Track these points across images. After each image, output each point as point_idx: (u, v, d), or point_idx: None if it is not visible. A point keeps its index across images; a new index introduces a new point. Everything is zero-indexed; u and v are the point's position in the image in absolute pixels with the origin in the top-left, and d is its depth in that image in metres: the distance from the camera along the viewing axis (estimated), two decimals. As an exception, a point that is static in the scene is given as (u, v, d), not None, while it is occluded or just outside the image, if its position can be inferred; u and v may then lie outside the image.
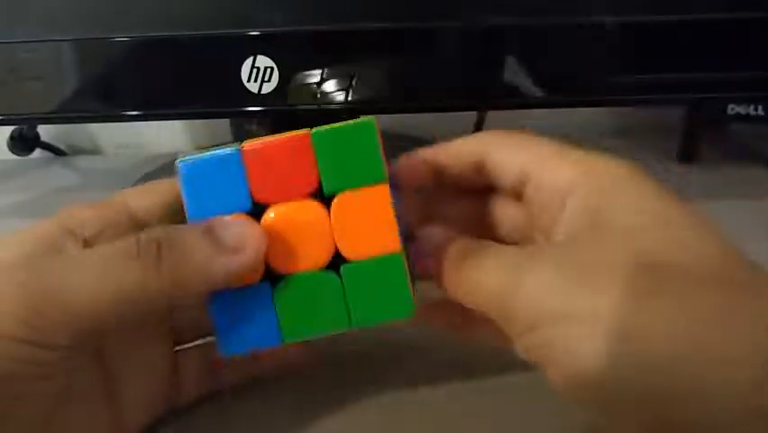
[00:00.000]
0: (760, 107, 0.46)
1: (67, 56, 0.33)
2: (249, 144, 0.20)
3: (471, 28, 0.33)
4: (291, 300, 0.20)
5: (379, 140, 0.19)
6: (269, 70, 0.32)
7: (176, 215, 0.23)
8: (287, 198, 0.19)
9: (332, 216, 0.19)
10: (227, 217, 0.19)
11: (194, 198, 0.20)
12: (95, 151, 0.60)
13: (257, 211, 0.20)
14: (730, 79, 0.33)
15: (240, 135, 0.41)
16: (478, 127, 0.57)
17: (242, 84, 0.32)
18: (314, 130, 0.19)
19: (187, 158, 0.20)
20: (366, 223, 0.19)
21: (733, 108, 0.47)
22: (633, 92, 0.34)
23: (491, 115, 0.55)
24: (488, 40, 0.33)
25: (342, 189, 0.19)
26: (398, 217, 0.20)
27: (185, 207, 0.20)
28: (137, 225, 0.22)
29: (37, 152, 0.56)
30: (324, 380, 0.25)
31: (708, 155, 0.50)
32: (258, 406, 0.24)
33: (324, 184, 0.19)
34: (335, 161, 0.19)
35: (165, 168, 0.49)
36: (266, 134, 0.20)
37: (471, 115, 0.56)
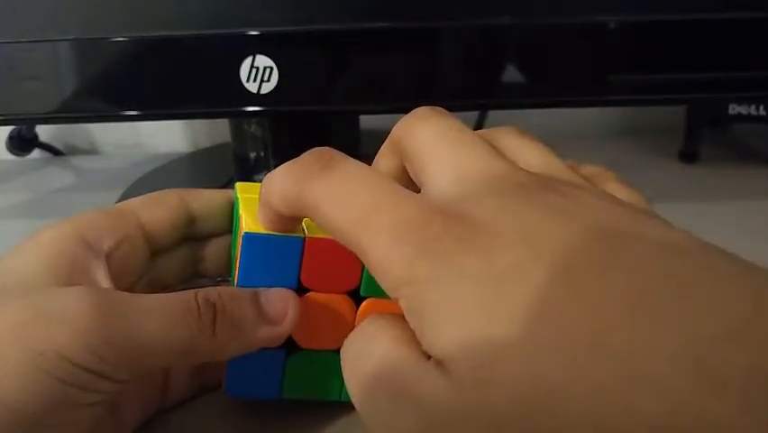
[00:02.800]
0: (761, 107, 0.46)
1: (65, 56, 0.33)
2: (313, 236, 0.21)
3: (471, 28, 0.32)
4: (299, 369, 0.22)
5: None
6: (268, 70, 0.32)
7: (180, 227, 0.24)
8: (328, 290, 0.22)
9: (358, 314, 0.22)
10: (274, 290, 0.21)
11: (249, 267, 0.21)
12: (93, 151, 0.60)
13: (298, 290, 0.21)
14: (731, 79, 0.33)
15: (239, 136, 0.41)
16: (478, 127, 0.57)
17: (242, 84, 0.32)
18: None
19: (255, 231, 0.21)
20: None
21: (734, 108, 0.47)
22: (633, 92, 0.34)
23: (491, 115, 0.55)
24: (488, 40, 0.33)
25: (374, 295, 0.22)
26: None
27: (238, 270, 0.21)
28: (146, 236, 0.23)
29: (35, 152, 0.56)
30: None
31: (709, 155, 0.50)
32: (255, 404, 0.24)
33: (362, 286, 0.22)
34: None
35: (164, 168, 0.49)
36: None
37: (472, 115, 0.56)
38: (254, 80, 0.32)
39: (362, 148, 0.41)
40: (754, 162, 0.49)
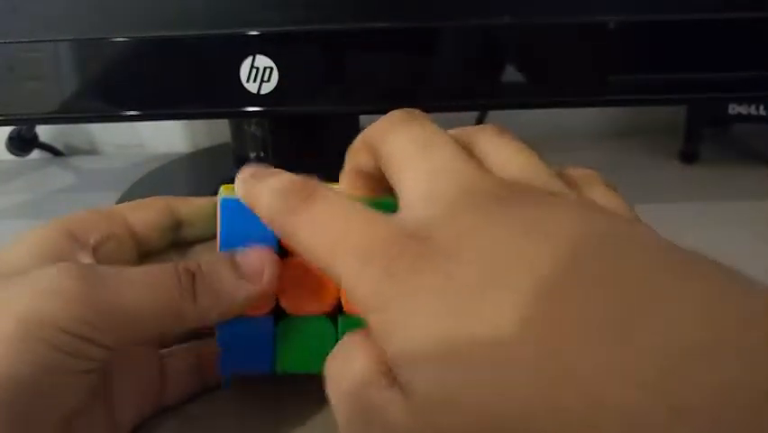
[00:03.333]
0: (761, 107, 0.46)
1: (65, 56, 0.33)
2: None
3: (471, 28, 0.32)
4: (289, 337, 0.22)
5: None
6: (268, 70, 0.32)
7: (167, 231, 0.25)
8: None
9: None
10: (250, 249, 0.21)
11: (229, 232, 0.22)
12: (93, 151, 0.60)
13: (281, 254, 0.22)
14: (731, 79, 0.33)
15: (239, 136, 0.41)
16: (478, 127, 0.57)
17: (242, 84, 0.32)
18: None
19: (230, 196, 0.21)
20: None
21: (734, 108, 0.47)
22: (633, 92, 0.34)
23: (491, 115, 0.55)
24: (488, 40, 0.33)
25: None
26: None
27: (219, 235, 0.22)
28: (133, 236, 0.24)
29: (35, 153, 0.56)
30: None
31: (709, 155, 0.50)
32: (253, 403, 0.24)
33: None
34: None
35: (164, 168, 0.49)
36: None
37: (472, 115, 0.56)
38: (254, 80, 0.32)
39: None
40: (754, 162, 0.49)
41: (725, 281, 0.13)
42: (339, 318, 0.22)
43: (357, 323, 0.19)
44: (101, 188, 0.50)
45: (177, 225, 0.25)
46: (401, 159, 0.18)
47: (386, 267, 0.15)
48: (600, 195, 0.19)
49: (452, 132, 0.19)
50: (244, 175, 0.20)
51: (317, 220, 0.17)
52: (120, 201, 0.43)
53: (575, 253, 0.14)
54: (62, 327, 0.18)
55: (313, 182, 0.18)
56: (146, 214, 0.24)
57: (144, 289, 0.19)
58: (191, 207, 0.25)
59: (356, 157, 0.21)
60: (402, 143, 0.18)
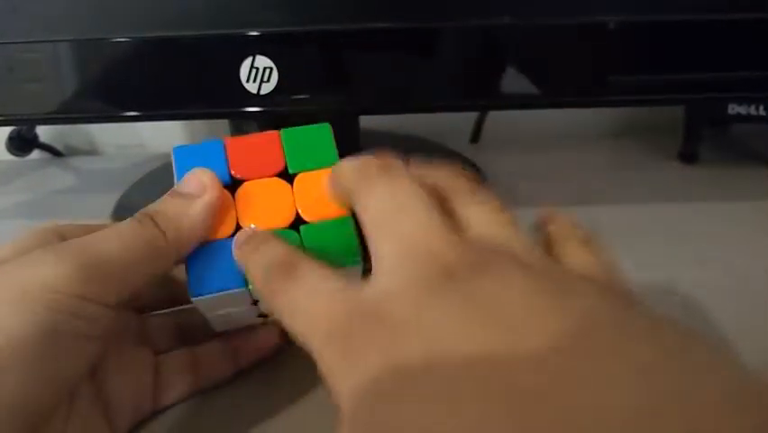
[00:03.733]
0: (761, 107, 0.46)
1: (65, 56, 0.33)
2: (231, 137, 0.25)
3: (471, 28, 0.32)
4: None
5: (332, 136, 0.24)
6: (268, 71, 0.32)
7: None
8: (259, 176, 0.24)
9: (294, 189, 0.23)
10: (185, 176, 0.23)
11: (181, 175, 0.23)
12: (93, 151, 0.60)
13: (234, 186, 0.23)
14: (730, 79, 0.33)
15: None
16: (478, 127, 0.57)
17: (241, 84, 0.32)
18: (283, 129, 0.25)
19: (183, 145, 0.24)
20: (322, 194, 0.23)
21: (734, 108, 0.47)
22: (633, 92, 0.34)
23: (491, 115, 0.55)
24: (488, 40, 0.33)
25: (303, 169, 0.24)
26: None
27: (175, 182, 0.23)
28: None
29: (35, 153, 0.56)
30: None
31: (708, 155, 0.50)
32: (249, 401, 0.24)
33: (288, 166, 0.24)
34: (298, 150, 0.24)
35: (164, 169, 0.49)
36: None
37: (472, 115, 0.56)
38: (254, 81, 0.32)
39: (362, 148, 0.41)
40: (754, 162, 0.49)
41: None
42: (301, 229, 0.23)
43: (319, 231, 0.23)
44: (101, 188, 0.50)
45: None
46: (376, 220, 0.19)
47: (341, 348, 0.16)
48: (577, 256, 0.19)
49: (427, 174, 0.21)
50: (239, 240, 0.22)
51: (293, 304, 0.19)
52: (120, 201, 0.43)
53: (507, 343, 0.14)
54: (60, 289, 0.19)
55: (294, 258, 0.20)
56: None
57: (120, 240, 0.21)
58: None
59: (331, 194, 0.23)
60: (378, 203, 0.19)
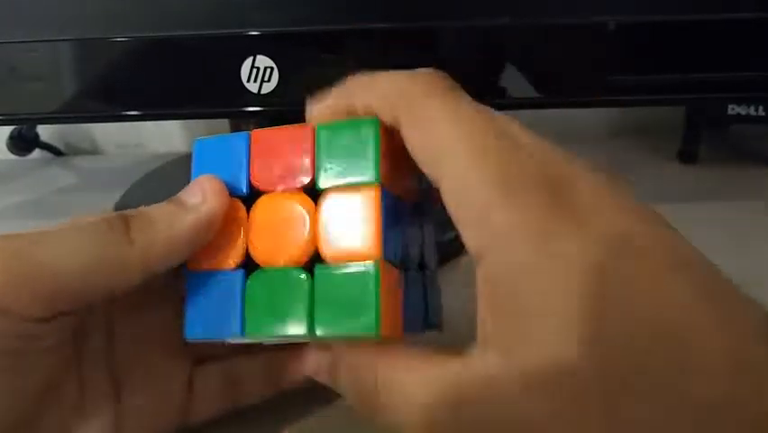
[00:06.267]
0: (761, 108, 0.46)
1: (66, 56, 0.33)
2: (257, 130, 0.20)
3: (471, 28, 0.33)
4: (260, 293, 0.19)
5: (379, 141, 0.18)
6: (268, 70, 0.32)
7: None
8: (281, 188, 0.19)
9: (318, 212, 0.19)
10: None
11: (199, 172, 0.20)
12: (94, 151, 0.60)
13: (253, 198, 0.20)
14: (730, 80, 0.33)
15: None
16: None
17: (242, 84, 0.32)
18: (318, 123, 0.20)
19: (205, 138, 0.21)
20: (350, 224, 0.18)
21: (734, 108, 0.47)
22: (633, 92, 0.34)
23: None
24: (488, 40, 0.33)
25: (335, 186, 0.19)
26: (400, 230, 0.20)
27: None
28: None
29: (36, 152, 0.56)
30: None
31: (708, 156, 0.50)
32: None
33: (317, 178, 0.19)
34: (333, 156, 0.19)
35: (165, 168, 0.49)
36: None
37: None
38: (255, 80, 0.32)
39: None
40: (754, 162, 0.49)
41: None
42: (316, 269, 0.18)
43: (336, 277, 0.18)
44: (101, 187, 0.50)
45: None
46: (444, 145, 0.17)
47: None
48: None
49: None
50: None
51: (457, 111, 0.17)
52: (120, 201, 0.43)
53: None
54: None
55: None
56: None
57: (71, 242, 0.17)
58: None
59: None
60: (449, 131, 0.17)
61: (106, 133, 0.59)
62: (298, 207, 0.19)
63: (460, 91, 0.18)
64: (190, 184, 0.20)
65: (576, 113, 0.57)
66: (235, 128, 0.42)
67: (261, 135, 0.20)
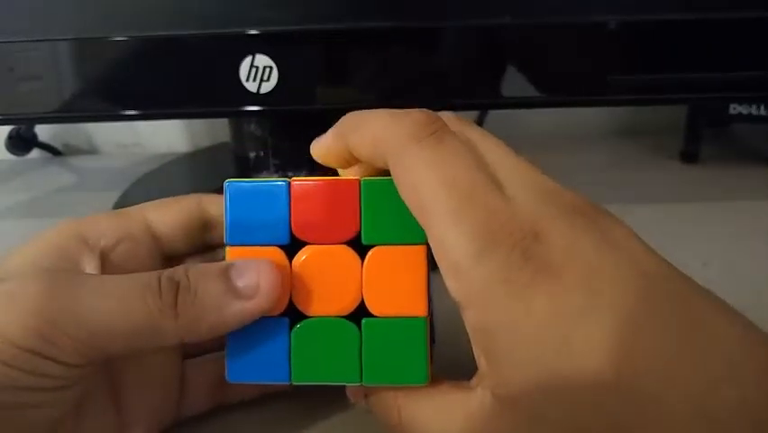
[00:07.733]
0: (762, 107, 0.46)
1: (65, 56, 0.33)
2: (298, 180, 0.20)
3: (471, 28, 0.32)
4: (307, 342, 0.20)
5: None
6: (267, 70, 0.32)
7: (194, 231, 0.23)
8: (325, 240, 0.20)
9: (364, 268, 0.19)
10: (246, 260, 0.19)
11: (235, 223, 0.20)
12: (92, 150, 0.60)
13: (294, 246, 0.20)
14: (731, 79, 0.33)
15: (239, 135, 0.41)
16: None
17: (241, 83, 0.32)
18: (363, 178, 0.20)
19: (235, 180, 0.20)
20: (397, 280, 0.19)
21: (734, 108, 0.47)
22: (633, 92, 0.34)
23: (491, 115, 0.55)
24: (488, 39, 0.33)
25: (380, 242, 0.19)
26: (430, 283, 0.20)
27: (225, 229, 0.20)
28: (154, 237, 0.22)
29: (34, 152, 0.56)
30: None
31: (709, 155, 0.50)
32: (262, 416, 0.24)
33: (363, 234, 0.19)
34: (379, 212, 0.19)
35: (164, 168, 0.49)
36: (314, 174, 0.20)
37: (472, 115, 0.56)
38: (254, 80, 0.32)
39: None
40: (754, 162, 0.49)
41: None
42: (364, 322, 0.19)
43: (385, 328, 0.19)
44: (100, 187, 0.50)
45: (204, 225, 0.23)
46: (438, 205, 0.17)
47: (505, 265, 0.16)
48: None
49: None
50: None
51: (441, 160, 0.17)
52: (119, 201, 0.43)
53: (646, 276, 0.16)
54: (15, 342, 0.16)
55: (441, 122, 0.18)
56: (169, 213, 0.22)
57: (116, 301, 0.18)
58: (221, 206, 0.23)
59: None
60: (431, 182, 0.17)
61: (105, 132, 0.59)
62: (346, 260, 0.19)
63: (447, 133, 0.18)
64: (248, 263, 0.19)
65: (577, 112, 0.57)
66: (235, 128, 0.41)
67: (303, 186, 0.20)
